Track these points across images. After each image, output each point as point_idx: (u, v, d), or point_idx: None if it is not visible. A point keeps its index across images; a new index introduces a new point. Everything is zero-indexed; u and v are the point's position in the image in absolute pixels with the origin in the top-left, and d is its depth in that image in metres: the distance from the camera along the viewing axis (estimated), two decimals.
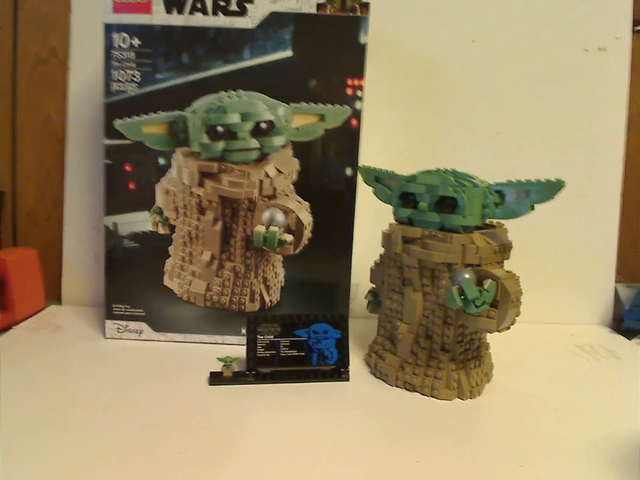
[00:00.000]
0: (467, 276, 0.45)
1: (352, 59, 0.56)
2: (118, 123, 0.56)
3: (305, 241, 0.57)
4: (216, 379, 0.50)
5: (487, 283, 0.45)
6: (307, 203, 0.58)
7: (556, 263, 0.73)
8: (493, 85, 0.70)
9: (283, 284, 0.60)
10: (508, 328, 0.47)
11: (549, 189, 0.45)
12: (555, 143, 0.71)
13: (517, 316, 0.46)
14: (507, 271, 0.47)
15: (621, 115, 0.71)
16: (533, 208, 0.46)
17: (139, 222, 0.59)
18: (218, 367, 0.52)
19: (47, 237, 0.74)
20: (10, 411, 0.43)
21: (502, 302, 0.45)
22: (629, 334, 0.67)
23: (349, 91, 0.56)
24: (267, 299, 0.59)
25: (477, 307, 0.45)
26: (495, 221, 0.52)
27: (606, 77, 0.70)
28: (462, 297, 0.45)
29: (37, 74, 0.72)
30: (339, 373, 0.52)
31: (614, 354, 0.62)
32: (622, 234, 0.72)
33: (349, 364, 0.52)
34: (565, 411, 0.48)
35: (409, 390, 0.51)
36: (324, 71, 0.56)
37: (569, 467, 0.39)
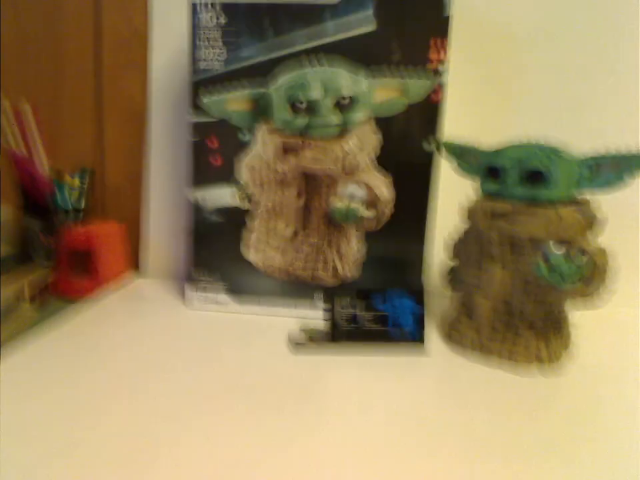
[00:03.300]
0: (556, 251, 0.45)
1: (436, 32, 0.55)
2: (204, 101, 0.58)
3: (385, 216, 0.58)
4: (299, 348, 0.52)
5: (581, 259, 0.44)
6: (388, 178, 0.58)
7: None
8: (579, 53, 0.67)
9: (361, 259, 0.60)
10: (597, 306, 0.46)
11: None
12: None
13: (607, 294, 0.45)
14: (598, 246, 0.46)
15: None
16: (627, 181, 0.45)
17: (224, 196, 0.61)
18: (299, 337, 0.53)
19: (132, 212, 0.77)
20: (101, 373, 0.46)
21: (594, 278, 0.44)
22: None
23: (433, 65, 0.56)
24: (345, 273, 0.60)
25: (564, 280, 0.44)
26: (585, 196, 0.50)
27: None
28: (551, 271, 0.44)
29: (121, 54, 0.75)
30: (417, 345, 0.52)
31: None
32: None
33: (427, 337, 0.53)
34: None
35: (487, 362, 0.50)
36: (407, 45, 0.56)
37: None
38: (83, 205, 0.70)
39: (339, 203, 0.57)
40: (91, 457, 0.34)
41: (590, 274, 0.44)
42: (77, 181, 0.70)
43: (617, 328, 0.62)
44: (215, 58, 0.58)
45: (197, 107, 0.59)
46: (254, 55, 0.58)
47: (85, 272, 0.67)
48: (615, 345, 0.57)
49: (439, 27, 0.55)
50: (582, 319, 0.53)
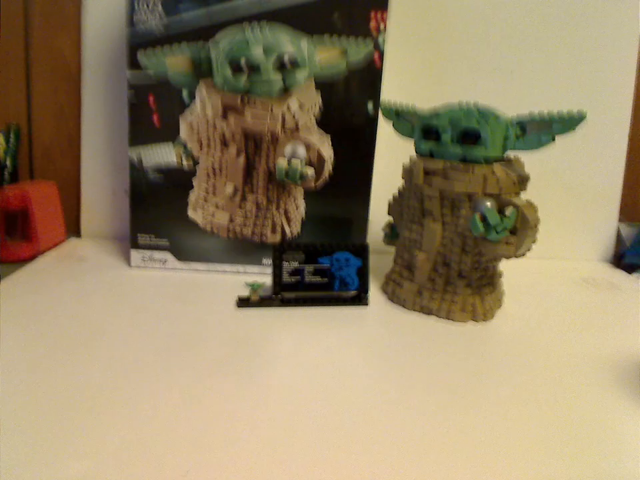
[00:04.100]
0: (488, 204, 0.48)
1: (377, 5, 0.56)
2: (141, 56, 0.56)
3: (325, 174, 0.59)
4: (244, 302, 0.53)
5: (508, 210, 0.47)
6: (328, 136, 0.59)
7: (560, 200, 0.75)
8: (509, 25, 0.70)
9: (303, 217, 0.61)
10: (524, 255, 0.50)
11: (571, 121, 0.46)
12: (566, 82, 0.72)
13: (533, 243, 0.49)
14: (526, 200, 0.49)
15: (633, 54, 0.71)
16: (554, 139, 0.48)
17: (163, 156, 0.60)
18: (243, 293, 0.54)
19: (64, 172, 0.74)
20: (44, 334, 0.46)
21: (521, 228, 0.48)
22: (629, 269, 0.71)
23: (373, 24, 0.56)
24: (287, 230, 0.62)
25: (497, 232, 0.47)
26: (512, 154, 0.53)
27: (620, 15, 0.71)
28: (483, 223, 0.48)
29: (49, 9, 0.71)
30: (359, 298, 0.55)
31: (615, 286, 0.66)
32: (627, 175, 0.75)
33: (369, 289, 0.55)
34: (569, 332, 0.52)
35: (425, 313, 0.54)
36: (348, 16, 0.56)
37: (570, 380, 0.43)
38: (9, 163, 0.66)
39: (281, 162, 0.58)
40: (29, 423, 0.34)
41: (519, 225, 0.48)
42: (1, 138, 0.66)
43: (537, 277, 0.67)
44: (154, 21, 0.56)
45: (135, 66, 0.57)
46: (192, 7, 0.56)
47: (21, 234, 0.64)
48: (536, 293, 0.62)
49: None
50: (509, 268, 0.58)
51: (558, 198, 0.74)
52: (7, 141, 0.67)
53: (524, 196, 0.51)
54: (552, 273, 0.69)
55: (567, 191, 0.74)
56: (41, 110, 0.73)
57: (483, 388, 0.41)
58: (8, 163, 0.66)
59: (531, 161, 0.53)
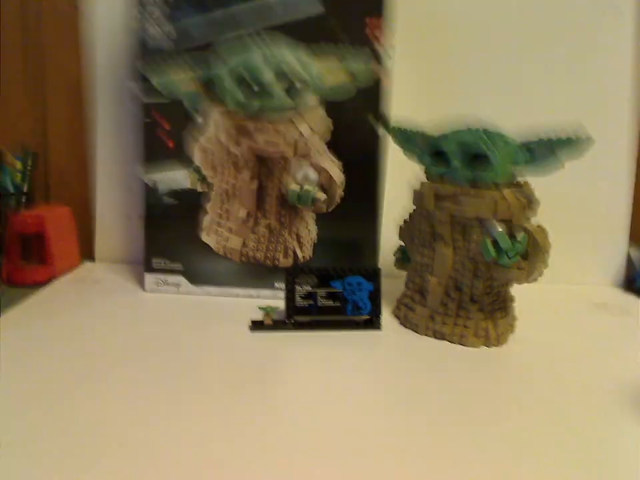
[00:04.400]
0: (499, 228, 0.48)
1: (371, 11, 0.57)
2: (153, 82, 0.58)
3: (337, 199, 0.60)
4: (257, 326, 0.53)
5: (520, 235, 0.48)
6: (339, 161, 0.60)
7: (570, 225, 0.75)
8: (515, 38, 0.71)
9: (315, 240, 0.62)
10: (535, 280, 0.50)
11: (577, 147, 0.47)
12: (573, 99, 0.72)
13: (545, 268, 0.49)
14: (537, 225, 0.50)
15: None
16: (562, 165, 0.48)
17: (177, 179, 0.61)
18: (256, 317, 0.55)
19: (78, 197, 0.75)
20: (60, 358, 0.46)
21: (532, 254, 0.48)
22: None
23: (375, 45, 0.57)
24: (300, 254, 0.62)
25: (509, 257, 0.47)
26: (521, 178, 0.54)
27: (631, 29, 0.71)
28: (495, 248, 0.48)
29: (61, 35, 0.73)
30: (372, 322, 0.55)
31: (627, 310, 0.65)
32: (636, 198, 0.75)
33: (381, 313, 0.55)
34: (582, 358, 0.52)
35: (438, 338, 0.54)
36: (347, 25, 0.57)
37: (584, 406, 0.43)
38: (25, 188, 0.68)
39: (292, 185, 0.59)
40: (44, 446, 0.34)
41: (531, 250, 0.48)
42: (18, 164, 0.67)
43: (548, 302, 0.67)
44: (160, 36, 0.58)
45: (146, 87, 0.58)
46: (200, 31, 0.57)
47: (36, 258, 0.65)
48: (548, 319, 0.62)
49: (374, 5, 0.57)
50: (520, 293, 0.58)
51: (567, 222, 0.74)
52: (24, 166, 0.68)
53: (534, 220, 0.52)
54: (563, 297, 0.69)
55: (576, 215, 0.75)
56: (57, 136, 0.75)
57: (496, 414, 0.41)
58: (25, 187, 0.68)
59: (538, 184, 0.53)
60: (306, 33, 0.57)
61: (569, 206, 0.74)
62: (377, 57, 0.58)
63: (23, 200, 0.67)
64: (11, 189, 0.66)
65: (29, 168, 0.68)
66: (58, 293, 0.62)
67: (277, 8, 0.57)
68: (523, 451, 0.36)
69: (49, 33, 0.73)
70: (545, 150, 0.48)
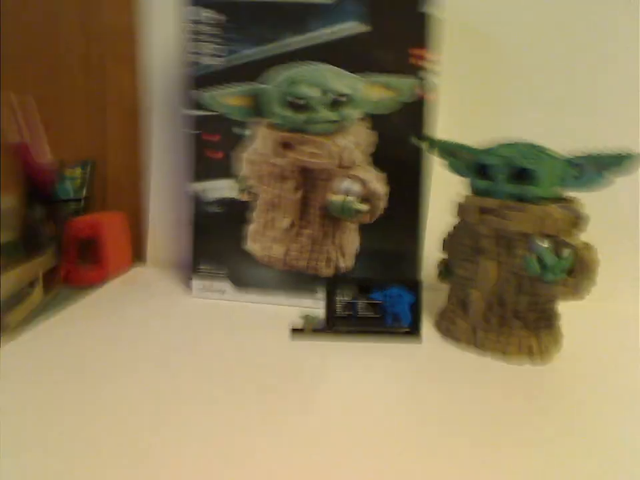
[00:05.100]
0: (545, 244, 0.47)
1: (415, 29, 0.58)
2: (202, 96, 0.60)
3: (379, 210, 0.60)
4: (298, 333, 0.54)
5: (565, 252, 0.47)
6: (382, 174, 0.60)
7: (617, 240, 0.72)
8: (557, 60, 0.70)
9: (357, 251, 0.63)
10: (582, 297, 0.49)
11: (627, 163, 0.46)
12: (624, 116, 0.70)
13: (592, 286, 0.48)
14: (585, 242, 0.49)
15: None
16: (611, 181, 0.47)
17: (223, 189, 0.63)
18: (297, 324, 0.56)
19: (132, 203, 0.79)
20: (106, 357, 0.49)
21: (579, 271, 0.47)
22: None
23: (420, 63, 0.58)
24: (341, 264, 0.63)
25: (554, 274, 0.46)
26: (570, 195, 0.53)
27: None
28: (539, 264, 0.47)
29: (115, 49, 0.77)
30: (412, 334, 0.55)
31: None
32: None
33: (421, 326, 0.55)
34: (632, 376, 0.50)
35: (479, 353, 0.53)
36: (390, 42, 0.58)
37: (635, 425, 0.41)
38: (84, 194, 0.72)
39: (335, 197, 0.59)
40: (94, 440, 0.36)
41: (577, 267, 0.47)
42: (78, 171, 0.71)
43: (595, 319, 0.65)
44: (210, 54, 0.60)
45: (195, 102, 0.61)
46: (249, 52, 0.60)
47: (92, 260, 0.69)
48: (597, 336, 0.60)
49: (419, 24, 0.58)
50: (566, 310, 0.56)
51: (614, 238, 0.72)
52: (83, 173, 0.72)
53: (583, 237, 0.50)
54: (611, 315, 0.67)
55: (622, 231, 0.72)
56: (114, 151, 0.79)
57: (540, 432, 0.40)
58: (83, 193, 0.72)
59: (588, 200, 0.52)
60: (350, 66, 0.58)
61: (613, 222, 0.71)
62: (421, 80, 0.59)
63: (82, 205, 0.71)
64: (71, 195, 0.70)
65: (87, 175, 0.72)
66: (110, 294, 0.65)
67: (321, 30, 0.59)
68: (569, 472, 0.35)
69: (100, 49, 0.77)
70: (593, 166, 0.47)
